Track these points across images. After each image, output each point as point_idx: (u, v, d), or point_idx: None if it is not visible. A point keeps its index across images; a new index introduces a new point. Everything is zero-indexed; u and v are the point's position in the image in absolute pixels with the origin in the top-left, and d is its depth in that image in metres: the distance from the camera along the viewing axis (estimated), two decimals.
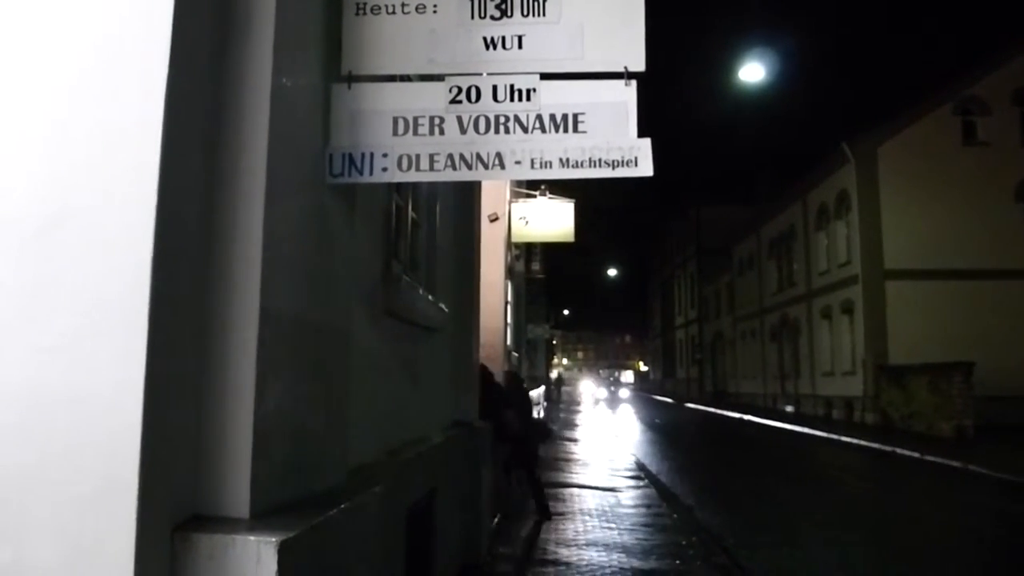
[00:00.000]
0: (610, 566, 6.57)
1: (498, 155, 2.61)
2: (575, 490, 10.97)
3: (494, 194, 11.34)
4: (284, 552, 1.81)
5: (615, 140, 2.60)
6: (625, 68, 2.63)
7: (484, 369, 7.67)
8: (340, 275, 2.79)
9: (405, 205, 4.70)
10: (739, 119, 74.93)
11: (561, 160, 2.60)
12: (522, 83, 2.65)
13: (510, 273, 13.96)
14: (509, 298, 13.95)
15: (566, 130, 2.62)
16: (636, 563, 6.72)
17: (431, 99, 2.66)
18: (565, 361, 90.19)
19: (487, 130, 2.63)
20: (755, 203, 41.21)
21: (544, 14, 2.69)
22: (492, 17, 2.70)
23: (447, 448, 5.31)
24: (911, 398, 21.92)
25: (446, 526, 5.24)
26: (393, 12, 2.72)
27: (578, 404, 44.02)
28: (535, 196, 13.33)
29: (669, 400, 50.71)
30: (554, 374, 50.31)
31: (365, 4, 2.72)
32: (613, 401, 50.94)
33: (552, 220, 13.47)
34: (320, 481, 2.49)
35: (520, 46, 2.69)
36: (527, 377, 21.90)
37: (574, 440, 19.79)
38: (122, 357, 1.74)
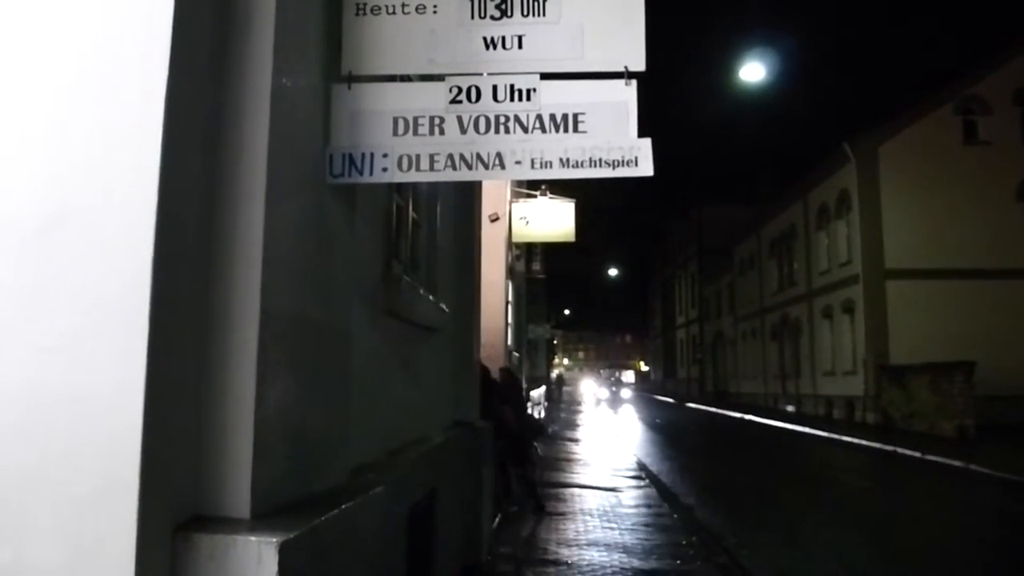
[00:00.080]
0: (611, 566, 6.57)
1: (498, 155, 2.61)
2: (576, 490, 10.97)
3: (495, 194, 11.35)
4: (285, 552, 1.81)
5: (615, 140, 2.60)
6: (625, 68, 2.63)
7: (481, 367, 7.68)
8: (341, 275, 2.79)
9: (406, 205, 4.70)
10: (740, 119, 74.97)
11: (561, 160, 2.60)
12: (522, 83, 2.64)
13: (511, 273, 13.96)
14: (510, 298, 13.95)
15: (566, 130, 2.62)
16: (637, 563, 6.72)
17: (431, 99, 2.66)
18: (566, 361, 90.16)
19: (487, 130, 2.63)
20: (756, 203, 41.19)
21: (544, 14, 2.69)
22: (492, 17, 2.70)
23: (448, 448, 5.31)
24: (912, 398, 21.90)
25: (447, 526, 5.24)
26: (393, 12, 2.72)
27: (579, 404, 44.01)
28: (536, 196, 13.35)
29: (670, 400, 50.69)
30: (555, 374, 50.29)
31: (365, 4, 2.72)
32: (615, 401, 50.91)
33: (553, 220, 13.48)
34: (321, 481, 2.49)
35: (520, 46, 2.68)
36: (528, 377, 21.91)
37: (575, 440, 19.78)
38: (122, 357, 1.74)
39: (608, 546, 7.34)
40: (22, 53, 1.87)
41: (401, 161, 2.60)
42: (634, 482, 11.94)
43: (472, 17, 2.70)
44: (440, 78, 2.69)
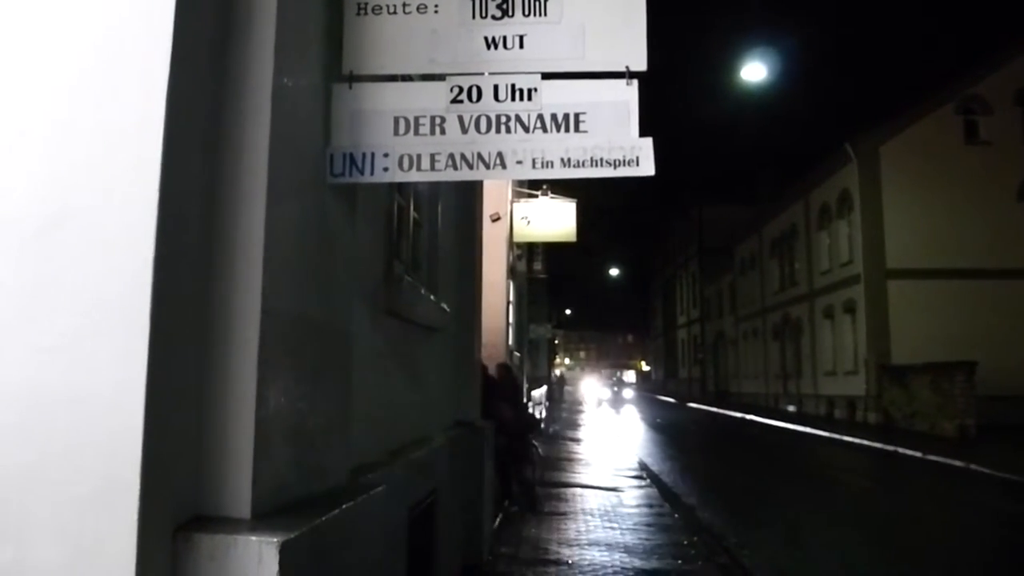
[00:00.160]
0: (612, 566, 6.57)
1: (499, 155, 2.60)
2: (577, 490, 10.97)
3: (496, 194, 11.35)
4: (285, 552, 1.81)
5: (617, 140, 2.59)
6: (627, 68, 2.62)
7: (480, 365, 7.70)
8: (342, 275, 2.78)
9: (407, 205, 4.70)
10: (741, 118, 74.83)
11: (562, 160, 2.60)
12: (523, 83, 2.64)
13: (512, 273, 13.96)
14: (511, 298, 13.95)
15: (567, 130, 2.62)
16: (638, 563, 6.71)
17: (432, 99, 2.66)
18: (567, 361, 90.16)
19: (488, 130, 2.63)
20: (757, 203, 41.18)
21: (545, 14, 2.69)
22: (493, 17, 2.70)
23: (449, 448, 5.31)
24: (913, 397, 21.89)
25: (447, 526, 5.24)
26: (394, 12, 2.72)
27: (580, 404, 44.01)
28: (537, 196, 13.34)
29: (671, 400, 50.69)
30: (556, 374, 50.27)
31: (366, 4, 2.72)
32: (617, 402, 50.89)
33: (554, 220, 13.48)
34: (322, 481, 2.48)
35: (521, 46, 2.68)
36: (529, 377, 21.91)
37: (577, 440, 19.78)
38: (123, 357, 1.74)
39: (609, 546, 7.34)
40: (22, 53, 1.87)
41: (402, 161, 2.60)
42: (635, 482, 11.94)
43: (473, 17, 2.69)
44: (441, 78, 2.69)
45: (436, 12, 2.70)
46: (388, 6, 2.71)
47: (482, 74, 2.67)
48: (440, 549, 4.96)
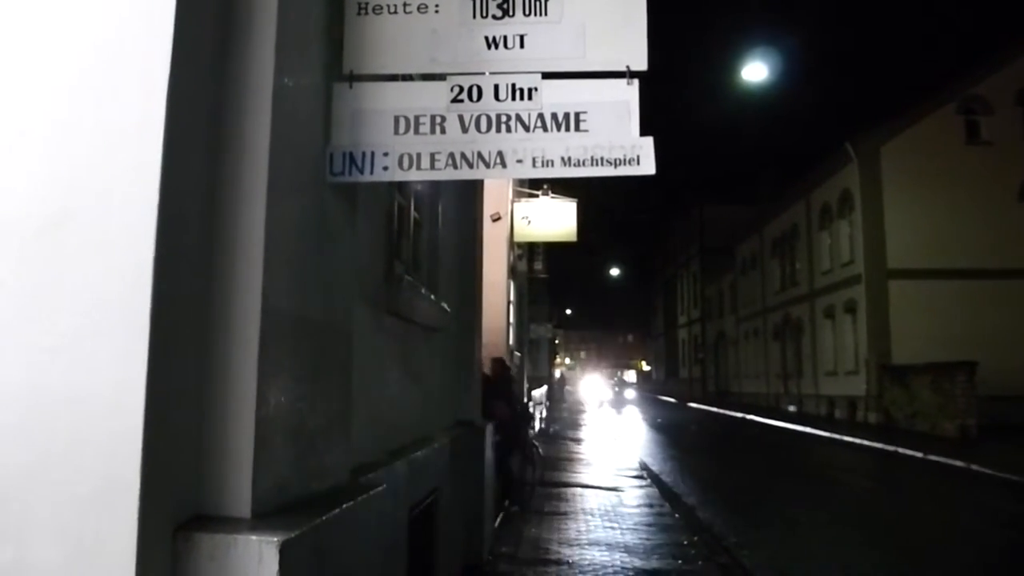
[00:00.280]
0: (612, 566, 6.57)
1: (499, 154, 2.60)
2: (578, 489, 10.97)
3: (496, 194, 11.35)
4: (286, 552, 1.81)
5: (617, 139, 2.59)
6: (627, 67, 2.62)
7: None
8: (342, 275, 2.78)
9: (407, 205, 4.70)
10: (742, 118, 74.77)
11: (563, 159, 2.60)
12: (524, 82, 2.64)
13: (512, 272, 13.96)
14: (511, 297, 13.95)
15: (568, 129, 2.62)
16: (638, 563, 6.71)
17: (433, 98, 2.66)
18: (567, 360, 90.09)
19: (488, 129, 2.63)
20: (758, 202, 41.17)
21: (546, 13, 2.69)
22: (494, 16, 2.70)
23: (449, 448, 5.31)
24: (914, 398, 21.88)
25: (448, 526, 5.24)
26: (395, 12, 2.72)
27: (582, 404, 43.99)
28: (537, 196, 13.33)
29: (672, 400, 50.68)
30: (557, 373, 50.25)
31: (367, 4, 2.72)
32: (618, 402, 50.84)
33: (554, 220, 13.47)
34: (322, 481, 2.48)
35: (522, 45, 2.68)
36: (530, 377, 21.91)
37: (578, 440, 19.79)
38: (123, 357, 1.74)
39: (610, 546, 7.34)
40: (22, 52, 1.87)
41: (402, 160, 2.60)
42: (636, 482, 11.94)
43: (474, 16, 2.69)
44: (442, 77, 2.69)
45: (437, 12, 2.70)
46: (388, 6, 2.71)
47: (483, 74, 2.67)
48: (440, 549, 4.96)
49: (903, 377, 22.76)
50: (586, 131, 2.61)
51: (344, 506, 2.27)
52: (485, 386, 7.97)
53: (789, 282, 34.53)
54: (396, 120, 2.63)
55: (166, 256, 1.80)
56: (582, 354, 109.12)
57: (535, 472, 10.82)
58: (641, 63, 2.64)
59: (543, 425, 21.24)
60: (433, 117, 2.63)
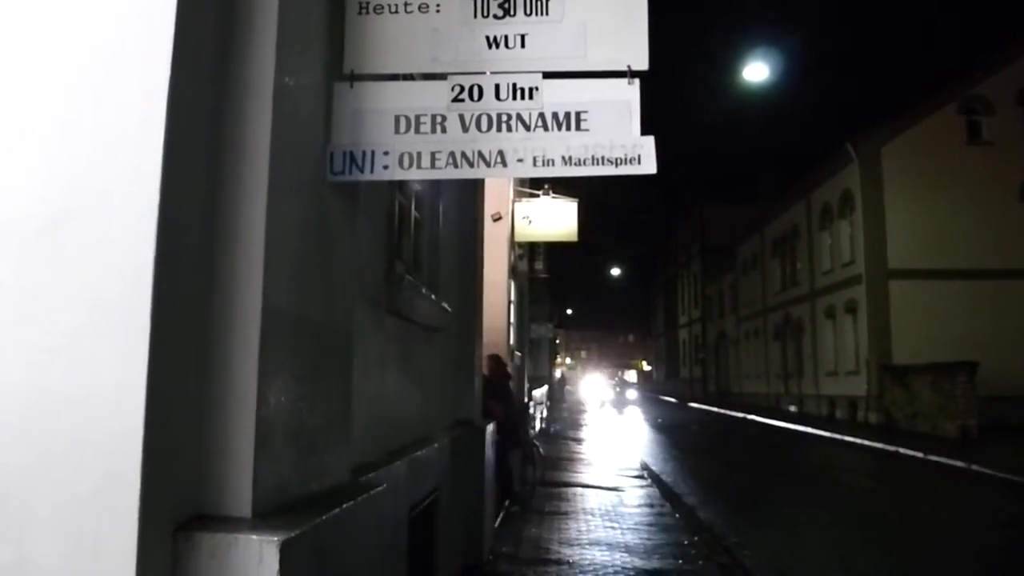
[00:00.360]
0: (613, 566, 6.57)
1: (500, 153, 2.60)
2: (579, 489, 10.97)
3: (497, 193, 11.34)
4: (286, 551, 1.81)
5: (618, 138, 2.59)
6: (628, 67, 2.62)
7: None
8: (343, 274, 2.78)
9: (408, 205, 4.70)
10: (743, 118, 74.82)
11: (564, 158, 2.59)
12: (525, 82, 2.64)
13: (513, 272, 13.94)
14: (512, 297, 13.93)
15: (568, 128, 2.62)
16: (639, 563, 6.71)
17: (433, 97, 2.65)
18: (568, 360, 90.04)
19: (489, 128, 2.62)
20: (759, 202, 41.18)
21: (547, 13, 2.69)
22: (495, 16, 2.69)
23: (449, 448, 5.31)
24: (915, 398, 21.87)
25: (448, 525, 5.24)
26: (396, 11, 2.71)
27: (583, 404, 43.98)
28: (538, 196, 13.31)
29: (672, 400, 50.67)
30: (557, 373, 50.24)
31: (368, 3, 2.72)
32: (620, 402, 50.82)
33: (555, 219, 13.45)
34: (322, 481, 2.48)
35: (523, 45, 2.68)
36: (531, 377, 21.90)
37: (579, 440, 19.79)
38: (124, 357, 1.74)
39: (610, 545, 7.34)
40: (23, 53, 1.87)
41: (402, 159, 2.60)
42: (637, 482, 11.94)
43: (475, 16, 2.69)
44: (443, 77, 2.69)
45: (438, 11, 2.70)
46: (390, 5, 2.71)
47: (483, 73, 2.67)
48: (441, 548, 4.96)
49: (904, 377, 22.76)
50: (587, 130, 2.61)
51: (344, 506, 2.27)
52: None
53: (790, 282, 34.53)
54: (397, 119, 2.63)
55: (166, 256, 1.80)
56: (583, 354, 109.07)
57: (536, 472, 10.82)
58: (642, 63, 2.64)
59: (543, 425, 21.24)
60: (434, 116, 2.63)
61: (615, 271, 62.69)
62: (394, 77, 2.84)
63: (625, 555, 6.96)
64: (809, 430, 23.58)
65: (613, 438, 20.63)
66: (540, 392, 23.41)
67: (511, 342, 13.45)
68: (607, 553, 7.02)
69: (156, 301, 1.76)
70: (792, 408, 32.56)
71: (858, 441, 19.60)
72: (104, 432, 1.71)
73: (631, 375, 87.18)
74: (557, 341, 45.76)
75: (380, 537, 3.00)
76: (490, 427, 7.01)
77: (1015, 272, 23.98)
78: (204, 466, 1.99)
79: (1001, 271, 24.02)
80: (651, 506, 9.74)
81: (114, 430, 1.71)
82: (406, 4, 2.71)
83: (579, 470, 13.32)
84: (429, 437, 4.90)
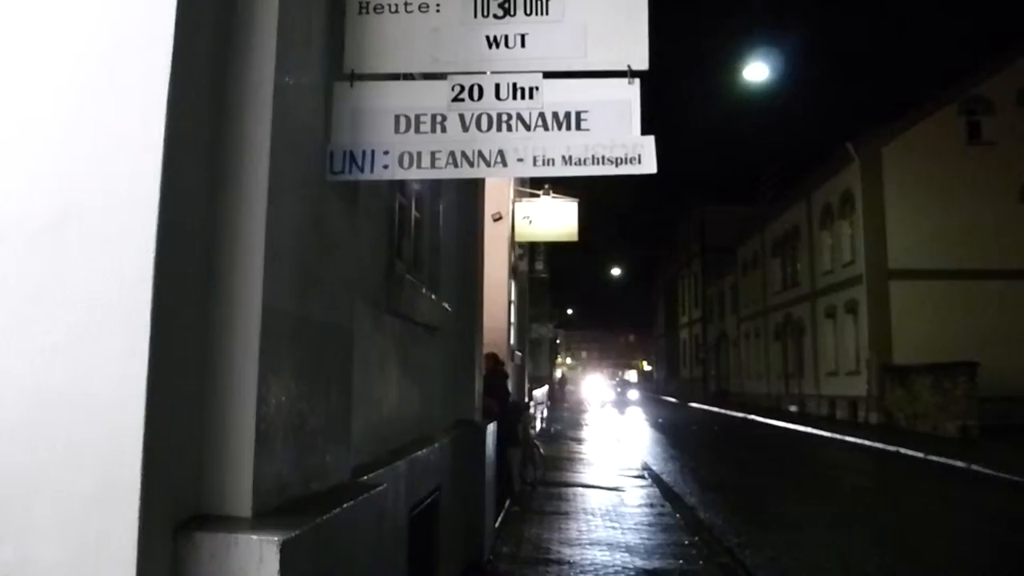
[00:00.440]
0: (613, 565, 6.57)
1: (500, 152, 2.60)
2: (579, 489, 10.97)
3: (498, 193, 11.34)
4: (286, 551, 1.81)
5: (618, 138, 2.59)
6: (628, 67, 2.62)
7: None
8: (343, 274, 2.78)
9: (408, 204, 4.70)
10: (743, 118, 74.91)
11: (564, 157, 2.59)
12: (525, 81, 2.64)
13: (514, 272, 13.95)
14: (513, 297, 13.94)
15: (569, 128, 2.62)
16: (640, 562, 6.71)
17: (433, 97, 2.66)
18: (569, 360, 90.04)
19: (489, 128, 2.63)
20: (759, 203, 41.22)
21: (547, 13, 2.69)
22: (495, 16, 2.70)
23: (450, 447, 5.31)
24: (915, 398, 21.87)
25: (449, 525, 5.24)
26: (396, 11, 2.72)
27: (583, 404, 43.96)
28: (538, 195, 13.32)
29: (673, 400, 50.65)
30: (558, 373, 50.22)
31: (368, 3, 2.72)
32: (621, 402, 50.77)
33: (556, 219, 13.46)
34: (322, 480, 2.48)
35: (523, 45, 2.68)
36: (531, 377, 21.91)
37: (579, 440, 19.78)
38: (124, 357, 1.74)
39: (611, 545, 7.34)
40: (24, 53, 1.87)
41: (402, 158, 2.60)
42: (637, 481, 11.93)
43: (475, 16, 2.69)
44: (443, 76, 2.69)
45: (438, 11, 2.70)
46: (390, 5, 2.71)
47: (484, 73, 2.67)
48: (441, 548, 4.96)
49: (904, 377, 22.75)
50: (587, 130, 2.61)
51: (344, 506, 2.27)
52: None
53: (790, 282, 34.52)
54: (397, 119, 2.63)
55: (167, 256, 1.80)
56: (583, 354, 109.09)
57: (536, 472, 10.83)
58: (642, 63, 2.64)
59: (544, 425, 21.23)
60: (434, 116, 2.63)
61: (615, 271, 62.62)
62: (394, 77, 2.84)
63: (626, 555, 6.96)
64: (810, 430, 23.57)
65: (614, 438, 20.62)
66: (540, 392, 23.42)
67: (511, 342, 13.45)
68: (608, 553, 7.01)
69: (156, 301, 1.76)
70: (793, 408, 32.55)
71: (858, 441, 19.59)
72: (104, 432, 1.71)
73: (632, 375, 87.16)
74: (558, 341, 45.76)
75: (380, 537, 3.00)
76: (491, 427, 7.01)
77: (1015, 272, 23.97)
78: (204, 466, 1.99)
79: (1001, 271, 24.01)
80: (652, 506, 9.73)
81: (115, 429, 1.71)
82: (406, 4, 2.71)
83: (580, 470, 13.31)
84: (429, 437, 4.90)
